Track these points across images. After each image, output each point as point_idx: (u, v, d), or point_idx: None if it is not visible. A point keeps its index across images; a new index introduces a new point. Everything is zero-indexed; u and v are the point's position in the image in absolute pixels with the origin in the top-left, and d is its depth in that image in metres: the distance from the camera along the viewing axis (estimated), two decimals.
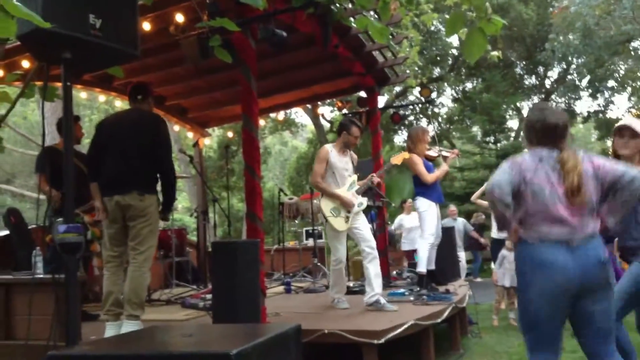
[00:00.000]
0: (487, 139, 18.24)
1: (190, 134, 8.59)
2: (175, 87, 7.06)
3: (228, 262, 3.68)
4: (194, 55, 4.04)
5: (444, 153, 6.06)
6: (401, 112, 8.05)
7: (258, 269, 3.85)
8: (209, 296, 5.22)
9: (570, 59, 19.93)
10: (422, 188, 5.80)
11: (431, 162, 6.05)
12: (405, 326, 4.08)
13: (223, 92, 7.21)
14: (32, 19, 1.65)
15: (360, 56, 6.58)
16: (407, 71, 10.10)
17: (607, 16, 16.13)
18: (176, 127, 8.05)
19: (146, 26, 4.44)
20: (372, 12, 5.91)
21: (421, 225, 5.88)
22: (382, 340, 3.81)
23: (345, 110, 7.66)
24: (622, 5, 15.40)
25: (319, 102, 8.45)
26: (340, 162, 5.18)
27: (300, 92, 7.57)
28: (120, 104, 7.30)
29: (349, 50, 6.35)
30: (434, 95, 20.26)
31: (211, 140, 9.25)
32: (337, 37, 5.78)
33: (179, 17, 4.19)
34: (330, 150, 5.17)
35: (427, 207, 5.75)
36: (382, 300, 4.82)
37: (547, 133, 2.49)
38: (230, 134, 10.59)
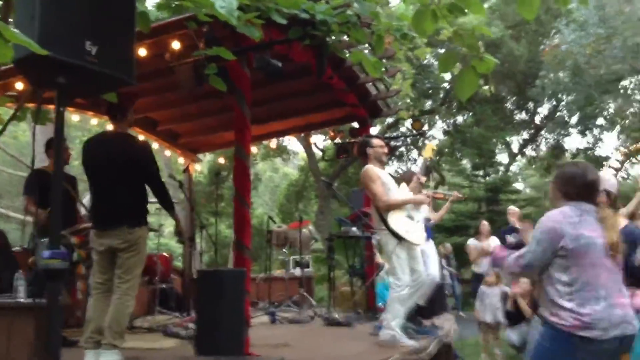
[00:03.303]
0: (477, 172, 18.39)
1: (181, 159, 8.58)
2: (168, 112, 7.08)
3: (213, 291, 3.65)
4: (189, 82, 4.07)
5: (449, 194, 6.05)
6: (392, 143, 8.10)
7: (243, 299, 3.81)
8: (191, 325, 5.15)
9: (560, 95, 20.27)
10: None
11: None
12: None
13: (216, 119, 7.22)
14: (29, 45, 1.65)
15: (354, 88, 6.65)
16: (400, 103, 10.22)
17: (597, 55, 16.46)
18: (167, 152, 8.04)
19: (142, 51, 4.46)
20: (366, 45, 6.01)
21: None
22: None
23: (337, 140, 7.71)
24: (613, 45, 15.75)
25: (312, 131, 8.51)
26: (388, 177, 4.81)
27: (293, 120, 7.62)
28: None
29: (343, 82, 6.41)
30: (425, 127, 20.47)
31: (202, 165, 9.23)
32: (331, 68, 5.83)
33: (175, 44, 4.22)
34: (374, 168, 4.73)
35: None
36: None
37: (589, 188, 2.60)
38: (221, 160, 10.58)
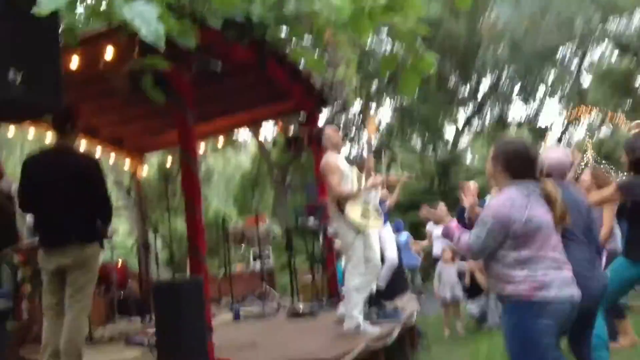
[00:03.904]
0: (426, 149, 18.71)
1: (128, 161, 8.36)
2: (109, 117, 6.86)
3: (171, 302, 3.59)
4: (125, 90, 3.94)
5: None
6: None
7: (203, 307, 3.77)
8: (152, 331, 5.07)
9: (500, 67, 20.82)
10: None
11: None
12: (356, 351, 4.08)
13: (159, 119, 7.04)
14: None
15: (298, 80, 6.62)
16: (346, 88, 10.23)
17: (533, 29, 16.96)
18: (112, 158, 7.82)
19: (75, 60, 4.29)
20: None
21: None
22: None
23: (287, 132, 7.67)
24: (547, 19, 16.28)
25: (261, 124, 8.48)
26: (346, 165, 4.88)
27: (241, 115, 7.53)
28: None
29: (287, 74, 6.36)
30: (373, 106, 20.64)
31: (150, 165, 9.02)
32: (274, 62, 5.79)
33: (109, 53, 4.07)
34: (334, 158, 4.78)
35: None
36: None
37: (531, 165, 2.68)
38: (169, 159, 10.34)
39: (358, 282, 4.63)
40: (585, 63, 22.93)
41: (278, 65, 5.95)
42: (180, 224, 18.88)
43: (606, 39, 21.38)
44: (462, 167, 19.33)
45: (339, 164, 4.74)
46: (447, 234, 2.88)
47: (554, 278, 2.53)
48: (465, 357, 5.80)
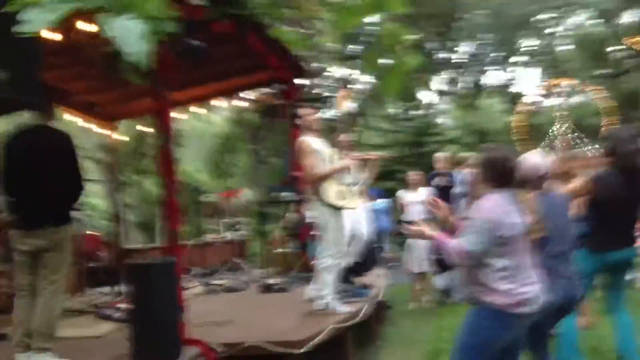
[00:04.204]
0: (401, 116, 18.75)
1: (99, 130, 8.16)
2: (82, 83, 6.68)
3: (144, 284, 3.60)
4: (100, 65, 3.85)
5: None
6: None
7: (176, 288, 3.79)
8: (124, 306, 5.07)
9: (478, 35, 20.80)
10: None
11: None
12: (326, 332, 4.17)
13: (133, 87, 6.87)
14: None
15: (275, 51, 6.52)
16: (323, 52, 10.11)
17: None
18: (83, 123, 7.64)
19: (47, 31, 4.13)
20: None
21: None
22: (303, 350, 3.89)
23: (264, 103, 7.61)
24: None
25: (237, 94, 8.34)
26: (322, 145, 4.86)
27: (217, 85, 7.42)
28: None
29: (264, 46, 6.26)
30: (348, 71, 20.48)
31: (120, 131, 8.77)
32: (252, 33, 5.69)
33: (84, 28, 3.91)
34: (309, 140, 4.78)
35: None
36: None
37: (509, 174, 2.76)
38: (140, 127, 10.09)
39: (330, 263, 4.72)
40: (563, 31, 23.07)
41: (256, 36, 5.85)
42: (150, 185, 18.75)
43: (583, 7, 21.50)
44: (436, 135, 19.45)
45: (315, 146, 4.75)
46: (437, 247, 2.97)
47: (533, 293, 2.66)
48: (429, 331, 5.99)
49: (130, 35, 1.44)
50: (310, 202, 4.92)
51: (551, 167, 4.40)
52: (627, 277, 4.42)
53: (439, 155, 8.60)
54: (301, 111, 4.94)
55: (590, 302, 5.30)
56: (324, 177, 4.68)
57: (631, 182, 3.71)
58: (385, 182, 16.29)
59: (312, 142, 4.78)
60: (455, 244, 2.74)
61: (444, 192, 7.75)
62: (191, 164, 23.86)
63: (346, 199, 4.78)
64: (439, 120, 23.08)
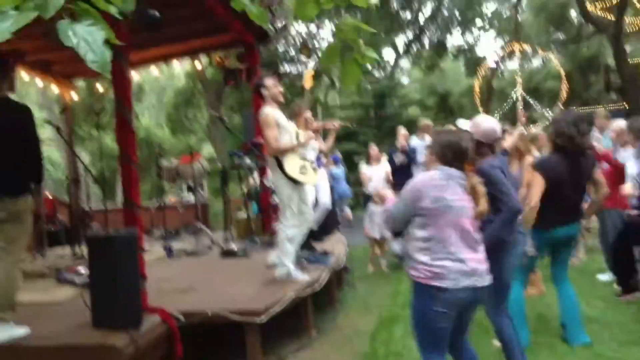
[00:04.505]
0: (364, 75, 18.68)
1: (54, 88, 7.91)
2: (38, 42, 6.41)
3: (105, 255, 3.60)
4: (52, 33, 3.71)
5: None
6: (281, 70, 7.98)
7: (137, 259, 3.80)
8: (83, 270, 5.07)
9: None
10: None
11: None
12: (286, 300, 4.29)
13: None
14: None
15: (238, 13, 6.37)
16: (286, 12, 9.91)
17: None
18: (40, 83, 7.38)
19: None
20: None
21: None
22: (264, 318, 4.00)
23: (225, 65, 7.48)
24: None
25: (198, 56, 8.16)
26: (284, 118, 4.86)
27: (177, 45, 7.25)
28: None
29: (226, 8, 6.12)
30: (314, 28, 20.22)
31: (78, 89, 8.52)
32: None
33: None
34: (273, 112, 4.75)
35: None
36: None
37: (460, 156, 2.83)
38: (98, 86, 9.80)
39: (291, 233, 4.81)
40: None
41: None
42: (109, 141, 18.38)
43: None
44: (399, 96, 19.55)
45: (278, 118, 4.74)
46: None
47: (450, 270, 2.70)
48: (386, 295, 6.20)
49: (92, 41, 1.40)
50: (272, 173, 4.95)
51: (508, 143, 4.54)
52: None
53: (401, 130, 8.71)
54: (267, 81, 4.88)
55: (539, 273, 5.61)
56: (286, 151, 4.73)
57: (576, 164, 3.88)
58: (343, 143, 16.44)
59: (277, 115, 4.77)
60: (387, 206, 2.97)
61: (403, 169, 7.95)
62: (151, 119, 23.41)
63: (307, 174, 4.84)
64: (402, 80, 23.15)
